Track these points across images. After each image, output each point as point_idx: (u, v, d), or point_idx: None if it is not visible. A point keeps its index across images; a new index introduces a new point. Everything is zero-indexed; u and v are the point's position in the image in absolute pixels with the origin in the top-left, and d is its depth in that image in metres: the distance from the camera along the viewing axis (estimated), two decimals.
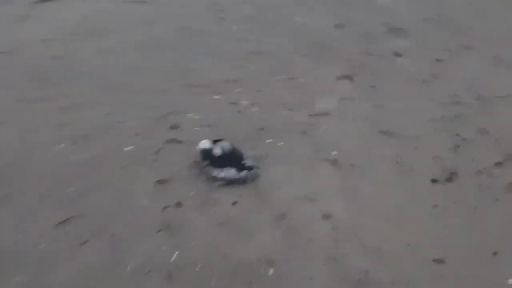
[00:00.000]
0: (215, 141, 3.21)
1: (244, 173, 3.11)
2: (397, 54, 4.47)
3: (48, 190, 3.10)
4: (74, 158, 3.39)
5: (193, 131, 3.62)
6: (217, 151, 3.14)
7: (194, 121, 3.73)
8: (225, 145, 3.16)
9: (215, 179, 3.15)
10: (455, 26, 4.79)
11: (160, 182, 3.17)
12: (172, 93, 4.10)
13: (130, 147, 3.48)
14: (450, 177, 3.04)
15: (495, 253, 2.61)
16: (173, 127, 3.68)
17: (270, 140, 3.50)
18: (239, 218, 2.91)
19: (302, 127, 3.59)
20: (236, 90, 4.06)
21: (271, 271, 2.58)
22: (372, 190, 3.03)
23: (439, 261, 2.58)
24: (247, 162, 3.15)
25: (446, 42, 4.62)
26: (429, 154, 3.25)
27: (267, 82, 4.15)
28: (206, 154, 3.18)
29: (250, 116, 3.74)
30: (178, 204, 2.99)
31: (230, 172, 3.10)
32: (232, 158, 3.15)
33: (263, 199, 3.03)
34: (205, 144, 3.19)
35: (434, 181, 3.04)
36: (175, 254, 2.69)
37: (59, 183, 3.17)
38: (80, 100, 4.07)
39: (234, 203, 3.01)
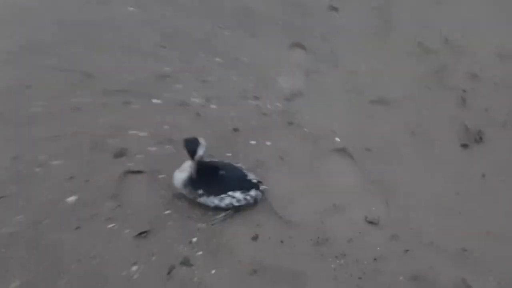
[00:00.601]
0: (190, 147, 2.36)
1: (253, 193, 2.43)
2: (333, 9, 4.02)
3: None
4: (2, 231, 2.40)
5: (149, 154, 2.80)
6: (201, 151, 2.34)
7: (143, 139, 2.90)
8: (202, 143, 2.37)
9: (217, 209, 2.43)
10: None
11: (143, 235, 2.36)
12: (91, 107, 3.16)
13: (74, 197, 2.56)
14: (479, 137, 2.71)
15: None
16: (119, 154, 2.81)
17: (253, 142, 2.84)
18: (272, 256, 2.26)
19: (283, 117, 2.98)
20: (175, 86, 3.26)
21: None
22: (404, 176, 2.58)
23: None
24: (251, 177, 2.47)
25: None
26: (441, 116, 2.88)
27: (208, 69, 3.42)
28: (198, 180, 2.42)
29: (213, 116, 3.01)
30: (185, 261, 2.24)
31: (236, 196, 2.40)
32: (232, 177, 2.44)
33: (287, 223, 2.40)
34: (189, 169, 2.41)
35: (464, 146, 2.68)
36: None
37: None
38: None
39: (255, 238, 2.33)
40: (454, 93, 3.03)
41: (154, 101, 3.17)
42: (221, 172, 2.46)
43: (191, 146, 2.34)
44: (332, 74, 3.31)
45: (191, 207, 2.50)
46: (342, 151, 2.74)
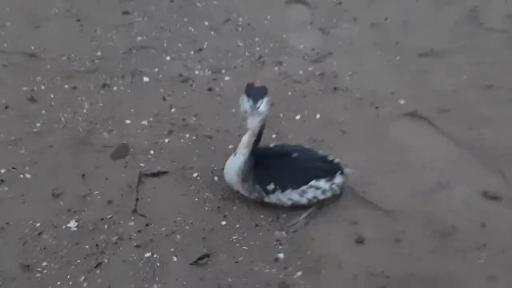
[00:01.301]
0: (254, 93, 1.67)
1: (339, 180, 1.83)
2: None
3: None
4: None
5: (164, 147, 2.09)
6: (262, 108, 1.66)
7: (147, 130, 2.18)
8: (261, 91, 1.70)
9: (291, 209, 1.80)
10: None
11: (203, 261, 1.67)
12: (53, 95, 2.36)
13: (73, 222, 1.81)
14: None
15: None
16: (120, 152, 2.06)
17: (298, 116, 2.23)
18: (394, 263, 1.69)
19: (322, 82, 2.43)
20: (163, 58, 2.54)
21: None
22: (500, 137, 2.13)
23: None
24: (330, 157, 1.87)
25: None
26: (505, 63, 2.47)
27: (198, 35, 2.74)
28: (265, 171, 1.77)
29: (231, 90, 2.38)
30: None
31: (321, 186, 1.79)
32: (310, 160, 1.83)
33: (390, 214, 1.83)
34: (246, 150, 1.76)
35: None
36: None
37: None
38: None
39: (360, 241, 1.75)
40: (503, 36, 2.65)
41: (145, 79, 2.42)
42: (295, 155, 1.82)
43: (256, 92, 1.67)
44: (355, 28, 2.79)
45: (254, 210, 1.84)
46: (413, 115, 2.23)
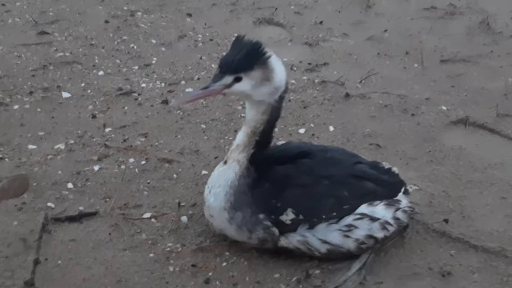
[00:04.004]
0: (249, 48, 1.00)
1: (406, 204, 1.03)
2: None
3: None
4: None
5: (109, 171, 1.25)
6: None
7: (63, 155, 1.29)
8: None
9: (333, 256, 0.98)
10: None
11: None
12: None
13: None
14: None
15: None
16: (14, 188, 1.16)
17: (302, 130, 1.46)
18: None
19: (326, 91, 1.71)
20: (94, 74, 1.76)
21: None
22: None
23: None
24: (384, 164, 1.08)
25: None
26: None
27: (143, 52, 2.08)
28: (275, 186, 0.97)
29: (200, 106, 1.56)
30: None
31: (379, 216, 1.01)
32: (356, 170, 1.02)
33: (505, 260, 1.03)
34: (245, 153, 0.95)
35: None
36: None
37: None
38: None
39: None
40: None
41: (64, 95, 1.59)
42: (329, 155, 1.00)
43: (230, 56, 0.98)
44: (349, 42, 2.15)
45: (260, 265, 1.02)
46: (466, 122, 1.50)
